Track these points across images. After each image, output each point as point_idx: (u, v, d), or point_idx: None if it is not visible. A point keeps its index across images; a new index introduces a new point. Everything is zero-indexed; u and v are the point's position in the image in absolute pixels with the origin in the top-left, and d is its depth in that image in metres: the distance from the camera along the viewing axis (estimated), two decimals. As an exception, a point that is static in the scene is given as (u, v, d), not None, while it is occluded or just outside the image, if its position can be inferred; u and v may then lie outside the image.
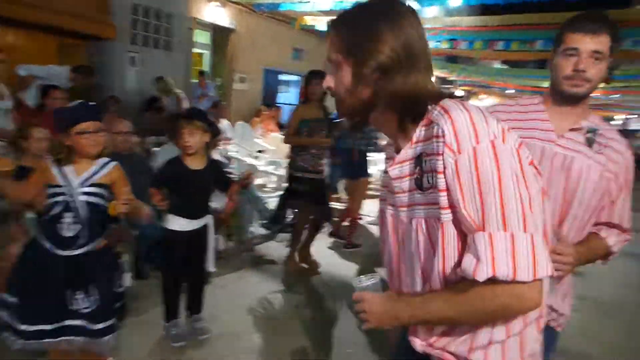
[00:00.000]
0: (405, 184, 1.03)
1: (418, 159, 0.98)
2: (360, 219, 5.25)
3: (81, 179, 1.97)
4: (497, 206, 0.86)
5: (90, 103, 2.17)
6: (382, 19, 0.94)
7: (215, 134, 2.84)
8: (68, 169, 1.96)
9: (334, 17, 1.03)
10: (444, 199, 0.92)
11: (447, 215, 0.93)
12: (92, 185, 1.99)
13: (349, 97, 1.00)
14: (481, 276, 0.86)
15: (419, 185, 0.99)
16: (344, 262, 4.54)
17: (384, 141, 7.56)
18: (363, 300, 1.07)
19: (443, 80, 18.13)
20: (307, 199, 4.22)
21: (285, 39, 9.15)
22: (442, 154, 0.90)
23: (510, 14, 5.84)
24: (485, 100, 25.63)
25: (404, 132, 1.02)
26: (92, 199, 1.98)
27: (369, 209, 5.91)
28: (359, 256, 4.74)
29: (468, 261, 0.90)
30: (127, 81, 6.29)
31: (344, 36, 0.99)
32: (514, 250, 0.85)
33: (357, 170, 4.88)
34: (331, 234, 5.17)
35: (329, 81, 1.04)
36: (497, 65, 15.60)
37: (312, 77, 3.94)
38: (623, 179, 1.47)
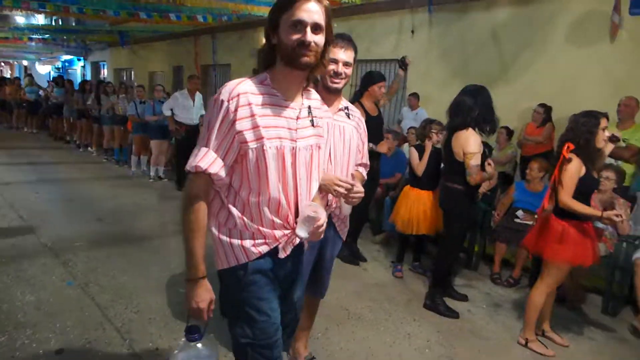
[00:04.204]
0: (304, 121, 1.52)
1: (308, 108, 1.54)
2: None
3: None
4: None
5: None
6: None
7: None
8: None
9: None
10: (323, 132, 1.60)
11: (323, 140, 1.61)
12: None
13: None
14: None
15: (312, 123, 1.54)
16: None
17: None
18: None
19: None
20: None
21: None
22: (322, 108, 1.63)
23: None
24: None
25: (303, 90, 1.55)
26: None
27: None
28: None
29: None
30: None
31: (329, 14, 1.45)
32: None
33: None
34: None
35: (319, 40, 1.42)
36: None
37: None
38: (363, 132, 2.28)
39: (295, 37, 1.38)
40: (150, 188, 7.19)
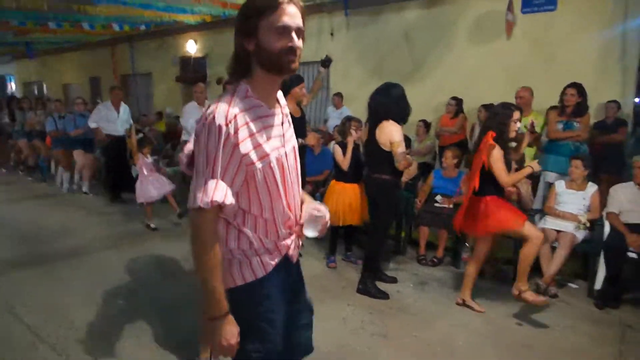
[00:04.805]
0: (286, 125, 1.53)
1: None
2: None
3: None
4: None
5: None
6: None
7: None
8: None
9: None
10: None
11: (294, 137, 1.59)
12: None
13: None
14: None
15: (289, 122, 1.57)
16: None
17: None
18: None
19: None
20: None
21: None
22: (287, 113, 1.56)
23: None
24: None
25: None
26: None
27: None
28: None
29: None
30: None
31: (305, 16, 1.40)
32: None
33: None
34: None
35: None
36: None
37: None
38: None
39: (281, 43, 1.34)
40: (75, 204, 6.86)
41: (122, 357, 2.76)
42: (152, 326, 3.11)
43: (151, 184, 5.42)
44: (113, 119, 6.68)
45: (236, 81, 1.42)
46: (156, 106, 11.17)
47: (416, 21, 7.18)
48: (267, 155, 1.39)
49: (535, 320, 3.35)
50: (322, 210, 1.56)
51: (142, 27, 9.66)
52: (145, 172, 5.47)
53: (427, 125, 6.42)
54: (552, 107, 5.10)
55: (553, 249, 3.87)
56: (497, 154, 3.18)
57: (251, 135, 1.36)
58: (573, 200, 4.03)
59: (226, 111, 1.32)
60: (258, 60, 1.38)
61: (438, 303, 3.59)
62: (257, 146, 1.37)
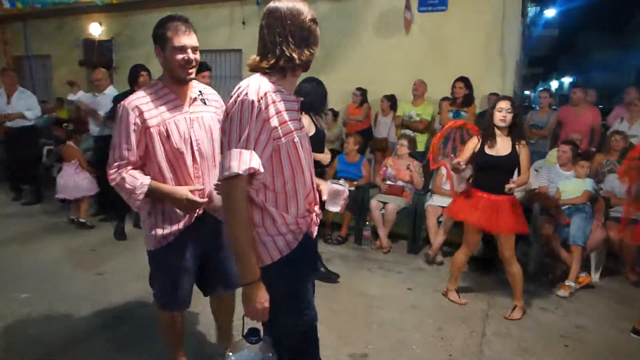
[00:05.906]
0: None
1: None
2: None
3: None
4: None
5: None
6: None
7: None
8: None
9: None
10: None
11: None
12: None
13: None
14: None
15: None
16: None
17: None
18: None
19: None
20: None
21: None
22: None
23: None
24: None
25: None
26: None
27: None
28: None
29: None
30: None
31: None
32: None
33: None
34: None
35: None
36: None
37: None
38: (223, 112, 2.06)
39: None
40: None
41: (24, 347, 2.76)
42: (57, 316, 3.14)
43: (75, 182, 5.15)
44: (2, 107, 5.83)
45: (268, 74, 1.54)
46: (56, 92, 10.43)
47: (327, 13, 7.45)
48: (292, 131, 1.52)
49: (423, 286, 3.83)
50: (343, 185, 1.75)
51: (38, 6, 8.98)
52: (75, 169, 5.21)
53: (335, 113, 6.77)
54: (444, 98, 5.69)
55: (439, 223, 4.40)
56: (469, 144, 3.34)
57: (278, 112, 1.48)
58: (455, 179, 4.57)
59: (258, 88, 1.46)
60: (305, 62, 1.57)
61: (341, 276, 3.94)
62: (283, 123, 1.49)
